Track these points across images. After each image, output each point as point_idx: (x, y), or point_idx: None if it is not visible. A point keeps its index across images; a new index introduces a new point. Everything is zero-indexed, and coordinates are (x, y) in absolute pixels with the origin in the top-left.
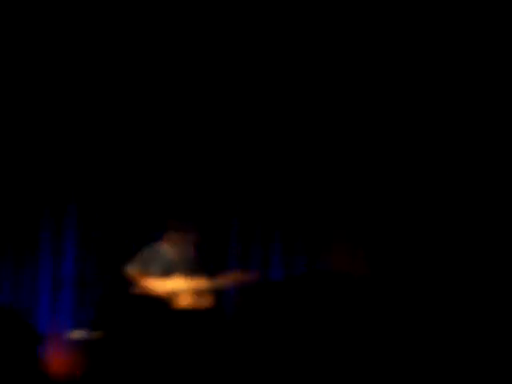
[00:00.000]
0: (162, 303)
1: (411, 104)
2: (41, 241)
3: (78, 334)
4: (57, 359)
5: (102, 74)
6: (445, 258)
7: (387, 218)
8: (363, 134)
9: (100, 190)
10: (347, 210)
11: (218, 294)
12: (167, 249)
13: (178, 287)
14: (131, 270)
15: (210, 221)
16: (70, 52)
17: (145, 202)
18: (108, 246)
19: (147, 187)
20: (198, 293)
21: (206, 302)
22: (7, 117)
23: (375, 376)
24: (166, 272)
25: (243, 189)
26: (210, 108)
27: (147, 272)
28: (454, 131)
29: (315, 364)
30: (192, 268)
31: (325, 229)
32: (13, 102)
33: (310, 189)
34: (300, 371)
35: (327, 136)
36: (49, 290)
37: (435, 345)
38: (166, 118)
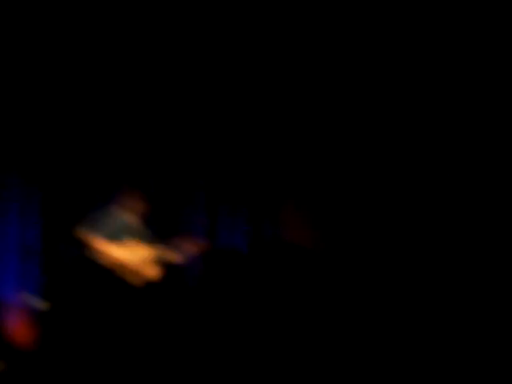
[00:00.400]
0: (111, 271)
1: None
2: (5, 207)
3: (34, 302)
4: (17, 327)
5: None
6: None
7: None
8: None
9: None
10: (300, 178)
11: (165, 263)
12: (119, 213)
13: (127, 254)
14: (83, 231)
15: (163, 188)
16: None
17: (101, 164)
18: (62, 211)
19: (105, 149)
20: (147, 261)
21: (152, 269)
22: None
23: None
24: (117, 236)
25: (197, 156)
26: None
27: (98, 235)
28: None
29: (271, 331)
30: (142, 235)
31: (277, 197)
32: None
33: (263, 153)
34: (256, 340)
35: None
36: (12, 257)
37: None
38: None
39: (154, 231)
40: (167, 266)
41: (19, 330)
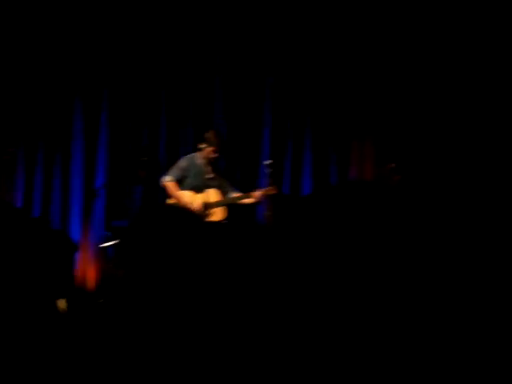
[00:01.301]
0: (194, 215)
1: None
2: (73, 147)
3: (109, 243)
4: (89, 267)
5: None
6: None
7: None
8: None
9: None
10: (377, 118)
11: (246, 207)
12: (202, 161)
13: (209, 200)
14: (167, 180)
15: (242, 137)
16: None
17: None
18: (140, 154)
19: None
20: (226, 207)
21: (223, 212)
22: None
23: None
24: (201, 185)
25: (274, 100)
26: None
27: (182, 183)
28: None
29: (345, 273)
30: (222, 183)
31: (355, 137)
32: None
33: (342, 95)
34: (329, 281)
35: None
36: (80, 198)
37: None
38: None
39: (225, 176)
40: (237, 209)
41: (86, 269)
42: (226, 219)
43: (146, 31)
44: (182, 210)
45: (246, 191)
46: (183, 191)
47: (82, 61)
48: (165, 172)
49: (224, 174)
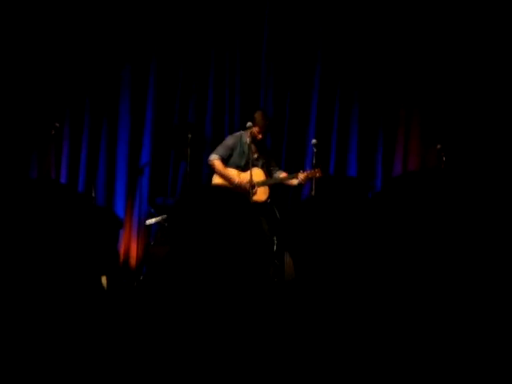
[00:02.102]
0: (240, 196)
1: None
2: (118, 125)
3: (153, 221)
4: (132, 244)
5: None
6: None
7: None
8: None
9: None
10: (425, 94)
11: (291, 188)
12: (248, 140)
13: (254, 179)
14: (214, 157)
15: (289, 116)
16: None
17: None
18: (184, 133)
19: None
20: (269, 187)
21: (266, 195)
22: None
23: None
24: (247, 163)
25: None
26: None
27: (229, 161)
28: None
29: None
30: (267, 162)
31: (401, 117)
32: None
33: (390, 69)
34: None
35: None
36: (125, 175)
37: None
38: None
39: (271, 156)
40: (283, 189)
41: (129, 246)
42: (268, 199)
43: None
44: (228, 191)
45: (292, 171)
46: (229, 169)
47: (130, 34)
48: (210, 149)
49: (270, 154)
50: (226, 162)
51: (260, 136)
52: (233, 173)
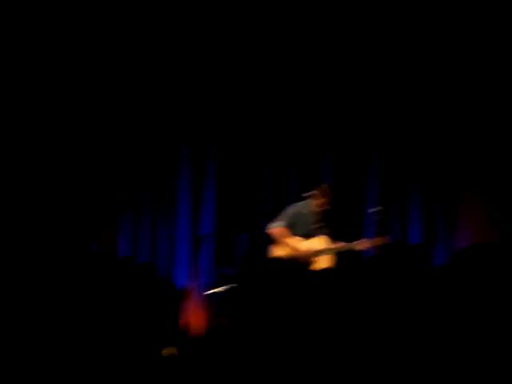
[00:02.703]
0: (303, 266)
1: None
2: (179, 197)
3: (216, 290)
4: (196, 314)
5: None
6: None
7: None
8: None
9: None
10: (483, 168)
11: (347, 255)
12: (311, 209)
13: (319, 248)
14: (276, 227)
15: (349, 187)
16: None
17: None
18: (246, 202)
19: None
20: (335, 254)
21: (330, 262)
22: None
23: None
24: (309, 232)
25: (383, 155)
26: None
27: (291, 231)
28: None
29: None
30: (330, 230)
31: (462, 190)
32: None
33: (448, 149)
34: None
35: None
36: (186, 246)
37: None
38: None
39: (335, 225)
40: (347, 257)
41: (193, 316)
42: (333, 266)
43: (255, 89)
44: (289, 263)
45: (352, 239)
46: (293, 238)
47: (193, 116)
48: (270, 219)
49: (330, 223)
50: (288, 231)
51: (325, 207)
52: (295, 241)
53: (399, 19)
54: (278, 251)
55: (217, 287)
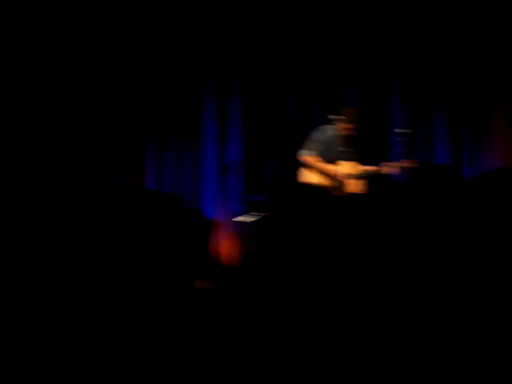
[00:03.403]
0: (333, 190)
1: None
2: (203, 124)
3: (243, 218)
4: (224, 243)
5: None
6: None
7: None
8: None
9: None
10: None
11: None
12: (338, 133)
13: (348, 172)
14: (306, 154)
15: (373, 108)
16: None
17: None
18: (272, 127)
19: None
20: (365, 178)
21: (362, 186)
22: None
23: None
24: (337, 157)
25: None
26: None
27: (320, 156)
28: None
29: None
30: (358, 155)
31: (490, 107)
32: None
33: (472, 61)
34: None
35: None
36: (213, 174)
37: None
38: None
39: (362, 149)
40: (375, 180)
41: (224, 245)
42: (364, 190)
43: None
44: (319, 189)
45: (379, 162)
46: (323, 163)
47: (216, 39)
48: (297, 143)
49: (358, 147)
50: (318, 158)
51: (351, 132)
52: (327, 167)
53: None
54: (308, 177)
55: (246, 214)
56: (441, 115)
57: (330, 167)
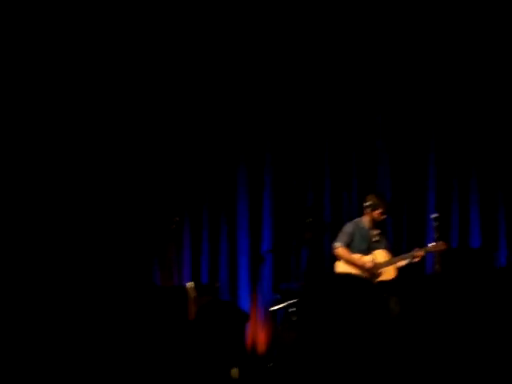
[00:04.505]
0: (366, 281)
1: None
2: (238, 214)
3: (279, 307)
4: (261, 333)
5: None
6: None
7: None
8: None
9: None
10: None
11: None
12: (367, 224)
13: (378, 261)
14: (337, 246)
15: (407, 195)
16: None
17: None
18: (304, 216)
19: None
20: (395, 266)
21: (393, 273)
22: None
23: None
24: (369, 247)
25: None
26: None
27: (351, 248)
28: None
29: None
30: (387, 245)
31: None
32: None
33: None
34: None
35: None
36: (247, 265)
37: None
38: None
39: (393, 234)
40: (408, 267)
41: (259, 335)
42: (396, 277)
43: (307, 97)
44: (352, 277)
45: (413, 247)
46: (354, 255)
47: (245, 127)
48: (330, 233)
49: (391, 233)
50: (348, 248)
51: (381, 217)
52: (358, 257)
53: None
54: (341, 268)
55: (280, 304)
56: (476, 194)
57: (358, 258)
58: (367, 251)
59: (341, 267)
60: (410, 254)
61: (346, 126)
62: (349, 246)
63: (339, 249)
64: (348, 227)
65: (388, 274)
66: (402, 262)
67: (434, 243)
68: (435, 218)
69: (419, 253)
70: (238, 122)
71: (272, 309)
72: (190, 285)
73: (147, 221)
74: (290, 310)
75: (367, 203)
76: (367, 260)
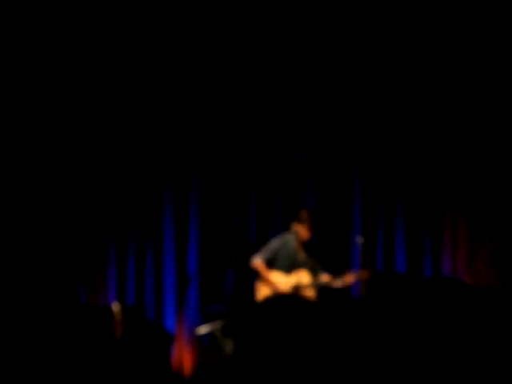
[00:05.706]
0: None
1: None
2: (165, 238)
3: (204, 330)
4: (187, 354)
5: None
6: None
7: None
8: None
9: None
10: (472, 200)
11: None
12: (294, 242)
13: (300, 282)
14: (256, 260)
15: (332, 214)
16: None
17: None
18: (230, 238)
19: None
20: (315, 288)
21: (313, 296)
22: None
23: None
24: (293, 265)
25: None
26: None
27: (274, 264)
28: None
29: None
30: (313, 265)
31: (446, 213)
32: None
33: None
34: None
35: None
36: (173, 287)
37: None
38: None
39: (317, 259)
40: (329, 291)
41: (181, 356)
42: (316, 300)
43: (232, 116)
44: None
45: (338, 270)
46: (273, 272)
47: (169, 149)
48: (255, 253)
49: (315, 253)
50: (272, 264)
51: (308, 235)
52: (275, 276)
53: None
54: (261, 289)
55: (205, 326)
56: (401, 217)
57: (277, 277)
58: (291, 270)
59: (260, 289)
60: (332, 279)
61: (271, 144)
62: (272, 262)
63: (257, 263)
64: (273, 242)
65: (309, 295)
66: (334, 285)
67: (358, 271)
68: (360, 242)
69: (349, 279)
70: (165, 146)
71: (198, 331)
72: (115, 305)
73: (73, 241)
74: (217, 332)
75: (299, 218)
76: (285, 281)
